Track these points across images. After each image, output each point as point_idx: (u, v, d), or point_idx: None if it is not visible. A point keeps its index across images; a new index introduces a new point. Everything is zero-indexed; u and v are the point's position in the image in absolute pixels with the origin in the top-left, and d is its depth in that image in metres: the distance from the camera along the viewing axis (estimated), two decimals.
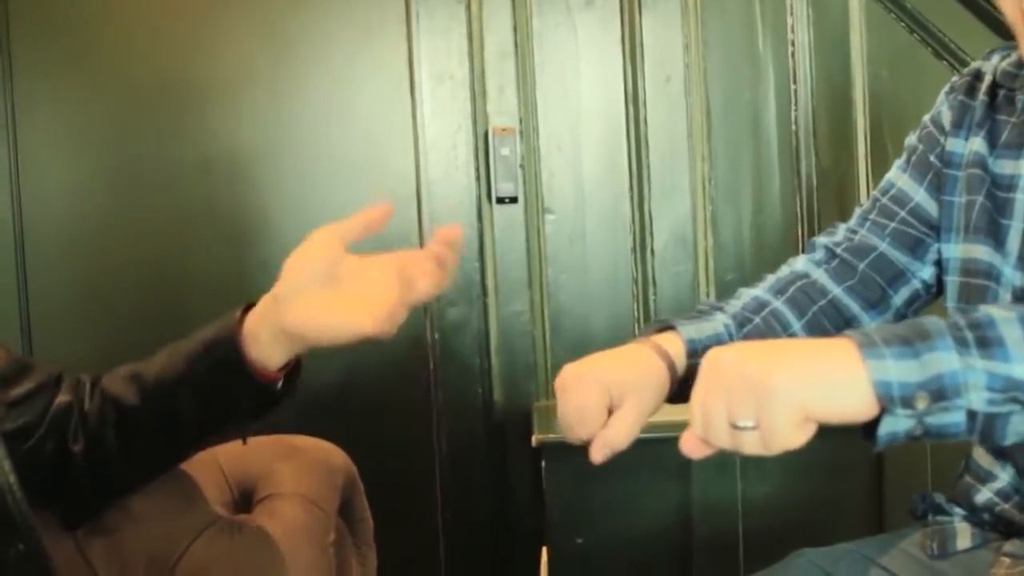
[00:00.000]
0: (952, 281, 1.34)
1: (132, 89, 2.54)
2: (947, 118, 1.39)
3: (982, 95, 1.35)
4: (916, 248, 1.38)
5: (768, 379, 0.90)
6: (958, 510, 1.36)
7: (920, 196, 1.39)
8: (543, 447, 2.27)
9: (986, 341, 0.91)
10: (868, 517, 2.32)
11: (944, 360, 0.90)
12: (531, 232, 2.61)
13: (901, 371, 0.90)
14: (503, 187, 2.57)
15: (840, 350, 0.91)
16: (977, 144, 1.34)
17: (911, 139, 1.44)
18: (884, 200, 1.42)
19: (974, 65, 1.40)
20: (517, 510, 2.58)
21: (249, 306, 1.22)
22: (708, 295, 2.63)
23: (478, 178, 2.59)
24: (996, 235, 1.28)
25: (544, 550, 2.33)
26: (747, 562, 2.25)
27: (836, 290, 1.39)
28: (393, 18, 2.57)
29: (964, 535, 1.34)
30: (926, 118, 1.43)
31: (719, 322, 1.32)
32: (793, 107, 2.62)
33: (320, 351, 2.43)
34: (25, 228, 2.52)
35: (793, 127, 2.63)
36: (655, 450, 2.25)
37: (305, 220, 2.56)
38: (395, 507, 2.56)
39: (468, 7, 2.58)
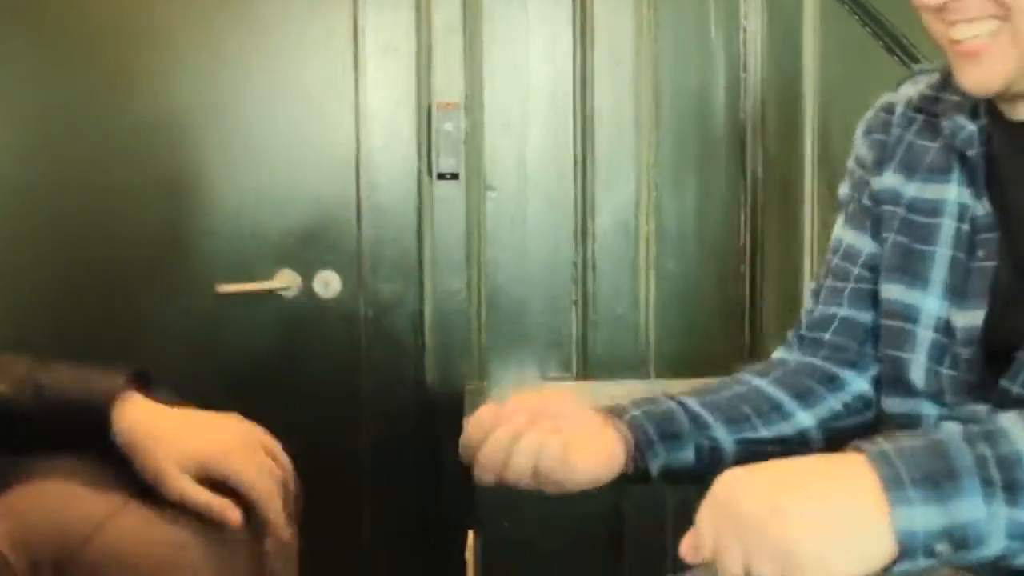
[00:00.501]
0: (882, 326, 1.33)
1: (67, 42, 2.46)
2: (869, 158, 1.35)
3: (895, 127, 1.33)
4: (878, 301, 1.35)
5: (794, 547, 0.86)
6: None
7: (868, 246, 1.36)
8: None
9: (1014, 485, 0.88)
10: None
11: (970, 509, 0.88)
12: (471, 210, 2.57)
13: (927, 519, 0.87)
14: (445, 162, 2.52)
15: (865, 494, 0.88)
16: (890, 179, 1.31)
17: (843, 190, 1.42)
18: (836, 260, 1.39)
19: (884, 99, 1.37)
20: (446, 492, 2.55)
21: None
22: (648, 281, 2.60)
23: (419, 152, 2.54)
24: (915, 269, 1.26)
25: (471, 533, 2.29)
26: (676, 548, 2.23)
27: (814, 360, 1.38)
28: None
29: None
30: (849, 163, 1.40)
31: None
32: (742, 96, 2.60)
33: (247, 327, 2.37)
34: None
35: (741, 115, 2.60)
36: None
37: (243, 184, 2.52)
38: (320, 486, 2.51)
39: None
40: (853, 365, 1.37)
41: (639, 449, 1.25)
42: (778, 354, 1.43)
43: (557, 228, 2.59)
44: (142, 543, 1.22)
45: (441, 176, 2.54)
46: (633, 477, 1.25)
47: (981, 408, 1.17)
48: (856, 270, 1.36)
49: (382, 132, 2.54)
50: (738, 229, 2.62)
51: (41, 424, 1.22)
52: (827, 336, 1.38)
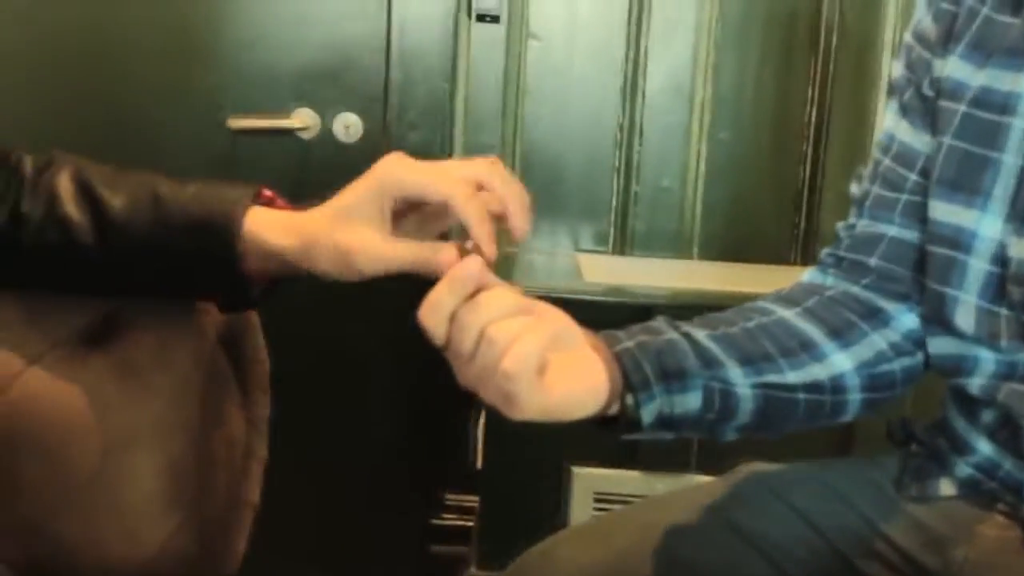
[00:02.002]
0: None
1: None
2: (933, 32, 1.09)
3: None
4: None
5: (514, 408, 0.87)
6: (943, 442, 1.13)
7: (927, 146, 1.10)
8: None
9: None
10: (833, 432, 2.10)
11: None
12: (511, 58, 2.38)
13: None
14: (485, 3, 2.32)
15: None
16: (954, 64, 1.06)
17: (897, 69, 1.15)
18: (887, 162, 1.14)
19: None
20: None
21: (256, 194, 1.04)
22: (699, 152, 2.40)
23: None
24: (972, 182, 1.02)
25: (482, 412, 2.15)
26: (700, 468, 2.09)
27: (854, 289, 1.13)
28: None
29: (948, 482, 1.11)
30: (907, 36, 1.14)
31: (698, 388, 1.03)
32: None
33: (261, 167, 2.19)
34: None
35: None
36: (611, 313, 2.08)
37: (260, 9, 2.32)
38: (329, 343, 2.38)
39: None
40: (903, 297, 1.12)
41: (630, 388, 0.98)
42: (811, 277, 1.17)
43: (603, 85, 2.41)
44: (67, 395, 1.04)
45: (480, 18, 2.34)
46: (620, 424, 0.98)
47: None
48: (912, 177, 1.11)
49: None
50: (804, 102, 2.41)
51: (161, 241, 1.02)
52: (872, 260, 1.12)
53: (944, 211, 1.04)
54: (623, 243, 2.44)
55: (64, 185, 1.04)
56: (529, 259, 2.39)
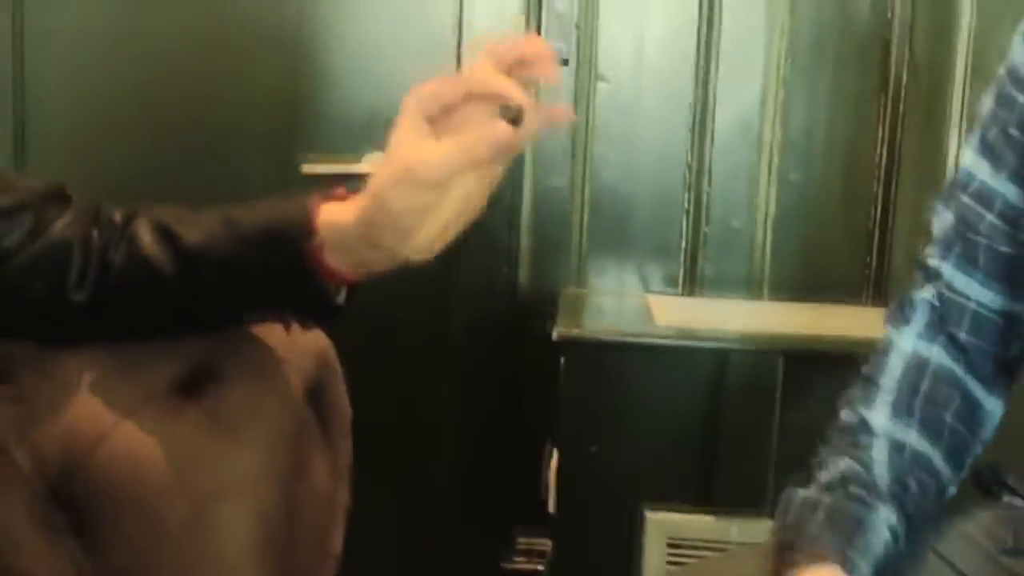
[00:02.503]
0: None
1: None
2: None
3: None
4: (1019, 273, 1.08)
5: None
6: None
7: (1007, 190, 1.08)
8: (564, 342, 2.05)
9: None
10: None
11: None
12: (580, 100, 2.39)
13: None
14: (555, 46, 2.32)
15: None
16: None
17: (986, 103, 1.12)
18: (965, 199, 1.11)
19: None
20: (530, 404, 2.40)
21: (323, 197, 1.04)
22: (769, 193, 2.40)
23: (528, 33, 2.35)
24: None
25: (555, 453, 2.14)
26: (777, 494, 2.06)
27: (956, 373, 1.12)
28: None
29: None
30: (1000, 71, 1.11)
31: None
32: None
33: None
34: (25, 37, 2.33)
35: (888, 14, 2.36)
36: (684, 358, 2.10)
37: (333, 59, 2.36)
38: (401, 385, 2.40)
39: None
40: (991, 381, 1.11)
41: None
42: (915, 347, 1.13)
43: (672, 127, 2.41)
44: (160, 449, 1.06)
45: None
46: None
47: None
48: (988, 217, 1.09)
49: (487, 9, 2.36)
50: (874, 143, 2.40)
51: (240, 257, 1.05)
52: (962, 335, 1.11)
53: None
54: (693, 284, 2.44)
55: (143, 229, 1.07)
56: (599, 301, 2.39)
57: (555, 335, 2.06)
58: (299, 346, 1.20)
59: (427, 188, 0.96)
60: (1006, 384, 1.11)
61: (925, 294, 1.14)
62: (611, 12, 2.37)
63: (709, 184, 2.42)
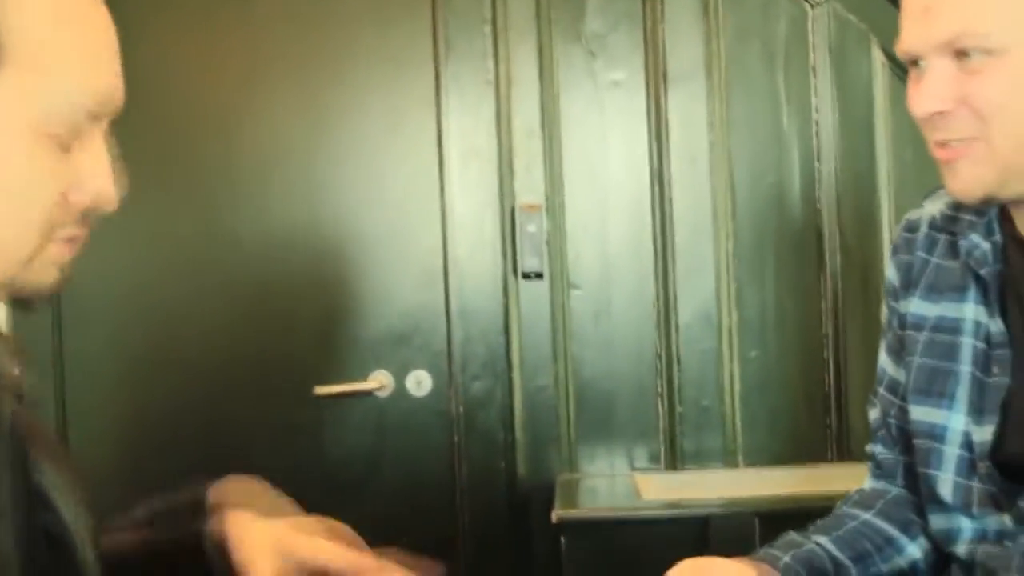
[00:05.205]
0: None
1: (166, 165, 2.60)
2: (897, 280, 1.39)
3: (919, 251, 1.36)
4: None
5: None
6: None
7: (902, 376, 1.40)
8: (563, 523, 2.27)
9: None
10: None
11: None
12: (556, 307, 2.63)
13: None
14: (529, 262, 2.60)
15: None
16: (916, 304, 1.35)
17: (883, 311, 1.46)
18: (882, 391, 1.44)
19: (908, 217, 1.41)
20: None
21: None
22: (732, 372, 2.64)
23: (504, 254, 2.62)
24: (940, 388, 1.30)
25: None
26: None
27: (906, 493, 1.45)
28: (423, 97, 2.62)
29: None
30: (885, 284, 1.45)
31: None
32: (817, 186, 2.64)
33: (344, 427, 2.41)
34: (63, 310, 2.55)
35: (817, 206, 2.64)
36: (678, 528, 2.30)
37: (337, 291, 2.62)
38: None
39: (496, 86, 2.62)
40: (906, 531, 1.42)
41: None
42: (871, 483, 1.48)
43: (640, 322, 2.64)
44: None
45: (526, 276, 2.62)
46: None
47: (1006, 519, 1.21)
48: (898, 403, 1.41)
49: (467, 235, 2.62)
50: (819, 318, 2.65)
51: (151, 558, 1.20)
52: (900, 482, 1.43)
53: (920, 412, 1.32)
54: (674, 459, 2.63)
55: None
56: (591, 483, 2.58)
57: (554, 518, 2.27)
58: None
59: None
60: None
61: (873, 483, 1.46)
62: (577, 229, 2.63)
63: (679, 369, 2.64)
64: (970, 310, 1.28)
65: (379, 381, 2.60)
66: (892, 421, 1.41)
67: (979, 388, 1.26)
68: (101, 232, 2.47)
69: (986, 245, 1.27)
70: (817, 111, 2.64)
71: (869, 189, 2.64)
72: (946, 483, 1.28)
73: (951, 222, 1.33)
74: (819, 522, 1.43)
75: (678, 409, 2.64)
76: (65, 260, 0.98)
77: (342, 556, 1.17)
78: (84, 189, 0.96)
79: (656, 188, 2.64)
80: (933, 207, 1.37)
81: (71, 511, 1.05)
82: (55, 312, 2.54)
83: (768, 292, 2.65)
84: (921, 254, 1.35)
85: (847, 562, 1.35)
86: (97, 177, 0.96)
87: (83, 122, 0.94)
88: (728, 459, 2.64)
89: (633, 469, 2.63)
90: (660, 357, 2.65)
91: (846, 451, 2.61)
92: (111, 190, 0.97)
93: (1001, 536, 1.24)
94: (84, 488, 1.10)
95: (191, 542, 1.16)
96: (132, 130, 2.50)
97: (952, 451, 1.28)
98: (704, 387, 2.64)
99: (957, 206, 1.32)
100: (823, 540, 1.37)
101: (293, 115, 2.62)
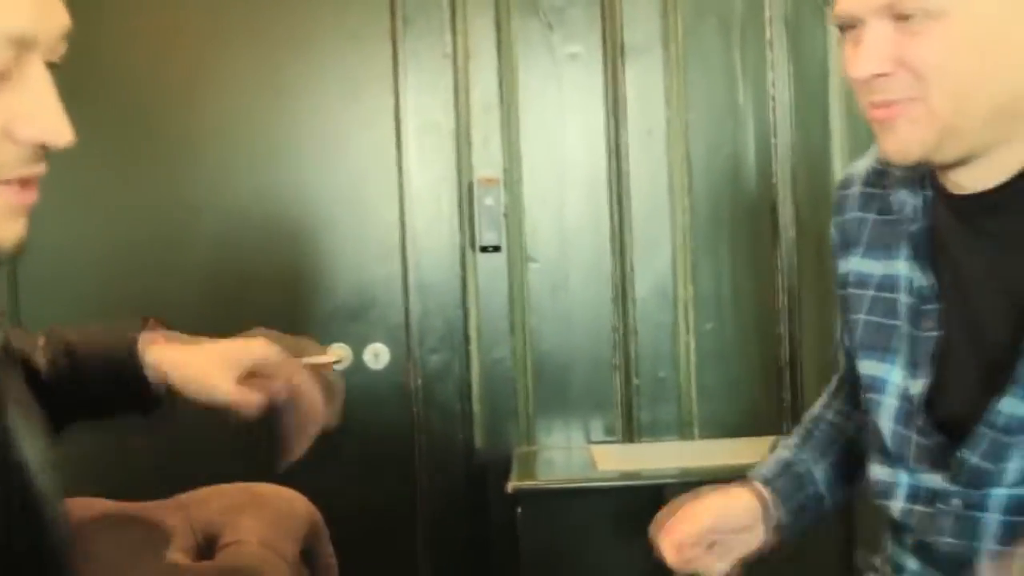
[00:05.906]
0: None
1: (126, 134, 2.60)
2: (837, 240, 1.41)
3: (854, 208, 1.38)
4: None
5: None
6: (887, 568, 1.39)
7: (847, 338, 1.43)
8: (519, 494, 2.29)
9: None
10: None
11: None
12: (514, 280, 2.65)
13: None
14: (487, 236, 2.61)
15: None
16: (856, 263, 1.37)
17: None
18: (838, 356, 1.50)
19: (845, 173, 1.42)
20: (497, 556, 2.60)
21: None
22: (688, 345, 2.66)
23: (462, 227, 2.64)
24: (884, 344, 1.32)
25: None
26: None
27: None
28: (382, 71, 2.62)
29: None
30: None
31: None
32: (773, 161, 2.67)
33: None
34: (19, 280, 2.56)
35: (773, 180, 2.67)
36: (633, 498, 2.32)
37: (294, 266, 2.62)
38: (374, 550, 2.60)
39: (455, 60, 2.63)
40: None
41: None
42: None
43: (597, 296, 2.66)
44: None
45: (484, 249, 2.63)
46: None
47: (940, 478, 1.24)
48: (845, 361, 1.46)
49: (425, 208, 2.63)
50: (774, 291, 2.68)
51: (80, 382, 1.29)
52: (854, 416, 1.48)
53: (866, 366, 1.34)
54: (631, 432, 2.66)
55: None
56: (548, 455, 2.61)
57: (510, 488, 2.30)
58: (294, 512, 1.45)
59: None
60: None
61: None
62: (534, 202, 2.65)
63: (635, 342, 2.66)
64: (903, 266, 1.30)
65: (337, 354, 2.60)
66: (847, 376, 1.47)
67: (912, 342, 1.28)
68: (59, 201, 2.50)
69: (916, 200, 1.29)
70: (773, 85, 2.66)
71: (824, 163, 2.66)
72: (888, 433, 1.31)
73: (881, 176, 1.35)
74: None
75: (634, 382, 2.66)
76: (24, 206, 0.95)
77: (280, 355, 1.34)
78: (30, 123, 0.93)
79: (613, 162, 2.66)
80: (864, 163, 1.39)
81: (33, 447, 1.07)
82: (11, 281, 2.54)
83: (724, 265, 2.68)
84: (857, 212, 1.37)
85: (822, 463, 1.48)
86: (42, 110, 0.94)
87: (8, 52, 0.91)
88: (684, 431, 2.67)
89: (590, 442, 2.66)
90: (617, 330, 2.67)
91: (800, 423, 2.63)
92: (59, 122, 0.94)
93: (934, 496, 1.26)
94: (48, 434, 1.12)
95: (125, 345, 1.31)
96: (92, 100, 2.53)
97: (891, 401, 1.30)
98: (660, 360, 2.67)
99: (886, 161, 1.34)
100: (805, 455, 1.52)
101: (252, 89, 2.62)
